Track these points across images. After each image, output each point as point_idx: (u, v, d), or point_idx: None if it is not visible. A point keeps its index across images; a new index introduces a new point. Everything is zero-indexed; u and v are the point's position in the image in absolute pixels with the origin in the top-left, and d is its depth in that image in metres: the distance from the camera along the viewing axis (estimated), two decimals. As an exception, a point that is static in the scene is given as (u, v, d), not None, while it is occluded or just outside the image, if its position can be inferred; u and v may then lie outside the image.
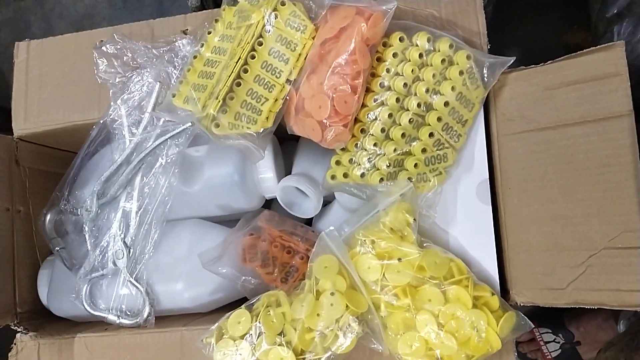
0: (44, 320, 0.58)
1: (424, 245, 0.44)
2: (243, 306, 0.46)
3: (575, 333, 0.77)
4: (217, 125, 0.46)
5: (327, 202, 0.59)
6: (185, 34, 0.54)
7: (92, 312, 0.52)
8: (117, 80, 0.50)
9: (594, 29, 0.79)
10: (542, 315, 0.82)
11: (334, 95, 0.44)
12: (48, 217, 0.55)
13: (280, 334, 0.44)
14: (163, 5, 1.10)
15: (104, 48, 0.50)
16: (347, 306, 0.43)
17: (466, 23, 0.47)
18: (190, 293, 0.52)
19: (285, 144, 0.61)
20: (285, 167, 0.59)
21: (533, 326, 0.42)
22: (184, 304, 0.52)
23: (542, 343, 0.79)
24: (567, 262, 0.41)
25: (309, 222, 0.59)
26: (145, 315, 0.51)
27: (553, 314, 0.81)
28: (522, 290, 0.43)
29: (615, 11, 0.74)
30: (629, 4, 0.77)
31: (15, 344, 0.54)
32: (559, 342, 0.78)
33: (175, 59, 0.50)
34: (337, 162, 0.48)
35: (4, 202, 0.55)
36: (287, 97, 0.47)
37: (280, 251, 0.50)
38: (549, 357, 0.78)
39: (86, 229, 0.53)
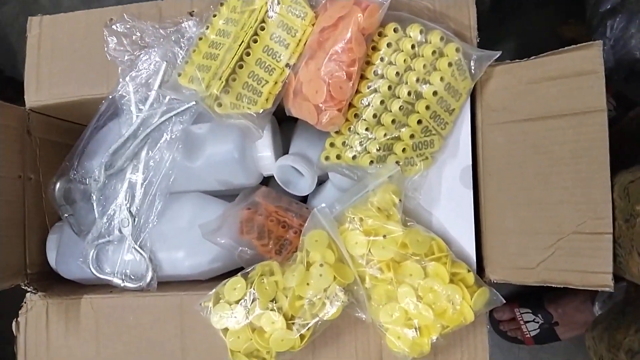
0: (52, 282, 0.62)
1: (408, 224, 0.48)
2: (239, 274, 0.50)
3: (554, 314, 0.81)
4: (220, 105, 0.49)
5: (322, 181, 0.62)
6: (192, 15, 0.56)
7: (98, 275, 0.56)
8: (126, 58, 0.53)
9: (588, 23, 0.81)
10: (523, 297, 0.86)
11: (330, 81, 0.46)
12: (58, 185, 0.58)
13: (272, 301, 0.48)
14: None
15: (114, 27, 0.53)
16: (334, 277, 0.47)
17: (458, 16, 0.49)
18: (191, 261, 0.55)
19: (284, 124, 0.64)
20: (282, 147, 0.62)
21: (504, 301, 0.46)
22: (184, 271, 0.56)
23: (522, 322, 0.83)
24: (538, 245, 0.44)
25: (303, 199, 0.62)
26: (148, 280, 0.54)
27: (534, 295, 0.85)
28: (496, 269, 0.47)
29: (609, 6, 0.76)
30: (623, -1, 0.79)
31: (25, 302, 0.58)
32: (538, 322, 0.82)
33: (181, 39, 0.53)
34: (331, 144, 0.51)
35: (16, 169, 0.58)
36: (287, 81, 0.50)
37: (276, 225, 0.54)
38: (528, 335, 0.83)
39: (94, 197, 0.56)
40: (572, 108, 0.43)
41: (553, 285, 0.43)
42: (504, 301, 0.46)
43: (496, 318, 0.86)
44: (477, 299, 0.46)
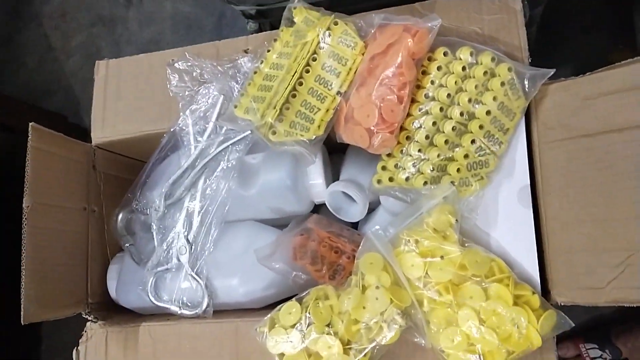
0: (112, 312, 0.63)
1: (466, 245, 0.46)
2: (293, 299, 0.50)
3: (623, 349, 0.75)
4: (274, 133, 0.51)
5: (372, 209, 0.62)
6: (247, 52, 0.59)
7: (156, 303, 0.57)
8: (187, 93, 0.56)
9: (639, 48, 0.80)
10: (589, 331, 0.81)
11: (381, 105, 0.47)
12: (120, 216, 0.61)
13: (328, 325, 0.48)
14: (222, 32, 1.19)
15: (176, 65, 0.56)
16: (391, 300, 0.46)
17: (508, 38, 0.50)
18: (245, 288, 0.56)
19: (333, 156, 0.65)
20: (332, 177, 0.63)
21: (573, 324, 0.43)
22: (238, 298, 0.56)
23: (588, 359, 0.78)
24: (606, 262, 0.42)
25: (354, 226, 0.62)
26: (204, 307, 0.55)
27: (600, 329, 0.80)
28: (563, 290, 0.45)
29: (660, 28, 0.75)
30: (675, 23, 0.78)
31: (85, 331, 0.59)
32: (605, 359, 0.76)
33: (237, 74, 0.56)
34: (383, 168, 0.51)
35: (82, 201, 0.61)
36: (338, 108, 0.52)
37: (329, 251, 0.54)
38: (596, 374, 0.77)
39: (154, 226, 0.58)
40: (633, 121, 0.42)
41: (626, 305, 0.41)
42: (573, 324, 0.43)
43: (560, 355, 0.81)
44: (543, 322, 0.43)
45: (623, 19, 0.85)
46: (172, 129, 0.57)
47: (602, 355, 0.77)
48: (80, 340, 0.59)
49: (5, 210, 0.74)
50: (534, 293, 0.45)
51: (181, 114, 0.57)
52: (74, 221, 0.60)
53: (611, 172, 0.42)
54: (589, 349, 0.78)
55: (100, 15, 1.31)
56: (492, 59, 0.47)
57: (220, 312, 0.57)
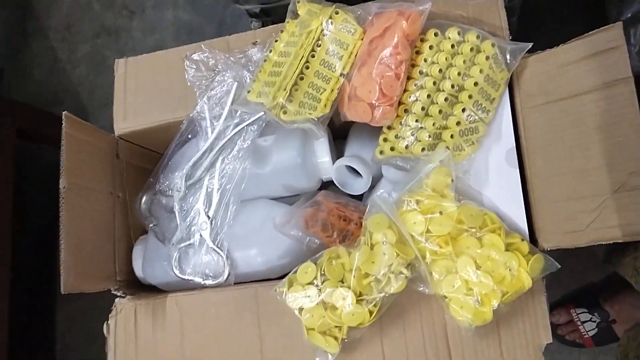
0: (138, 290, 0.68)
1: (461, 201, 0.52)
2: (309, 260, 0.55)
3: (610, 311, 0.81)
4: (285, 112, 0.56)
5: (374, 185, 0.67)
6: (255, 45, 0.65)
7: (180, 276, 0.62)
8: (203, 82, 0.62)
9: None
10: (578, 296, 0.86)
11: (381, 81, 0.53)
12: (143, 199, 0.66)
13: (341, 281, 0.53)
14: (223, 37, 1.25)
15: (193, 56, 0.62)
16: (397, 254, 0.51)
17: (490, 20, 0.56)
18: (263, 257, 0.61)
19: (336, 142, 0.70)
20: (337, 159, 0.68)
21: (559, 266, 0.49)
22: (257, 267, 0.61)
23: (579, 323, 0.83)
24: (585, 208, 0.48)
25: (359, 199, 0.68)
26: (225, 276, 0.60)
27: (589, 295, 0.85)
28: (548, 237, 0.50)
29: (629, 15, 0.81)
30: (643, 8, 0.84)
31: (115, 306, 0.64)
32: (595, 321, 0.82)
33: (249, 63, 0.62)
34: (385, 139, 0.57)
35: (108, 186, 0.67)
36: (341, 88, 0.57)
37: (337, 219, 0.59)
38: (586, 336, 0.82)
39: (176, 206, 0.63)
40: (601, 82, 0.48)
41: (603, 243, 0.46)
42: (559, 266, 0.49)
43: (553, 322, 0.86)
44: (533, 265, 0.49)
45: (597, 10, 0.92)
46: (190, 115, 0.63)
47: (591, 318, 0.82)
48: (110, 315, 0.63)
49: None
50: (523, 240, 0.50)
51: (198, 101, 0.63)
52: (102, 203, 0.65)
53: (584, 128, 0.48)
54: (579, 313, 0.83)
55: (104, 26, 1.37)
56: (477, 37, 0.53)
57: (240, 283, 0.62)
